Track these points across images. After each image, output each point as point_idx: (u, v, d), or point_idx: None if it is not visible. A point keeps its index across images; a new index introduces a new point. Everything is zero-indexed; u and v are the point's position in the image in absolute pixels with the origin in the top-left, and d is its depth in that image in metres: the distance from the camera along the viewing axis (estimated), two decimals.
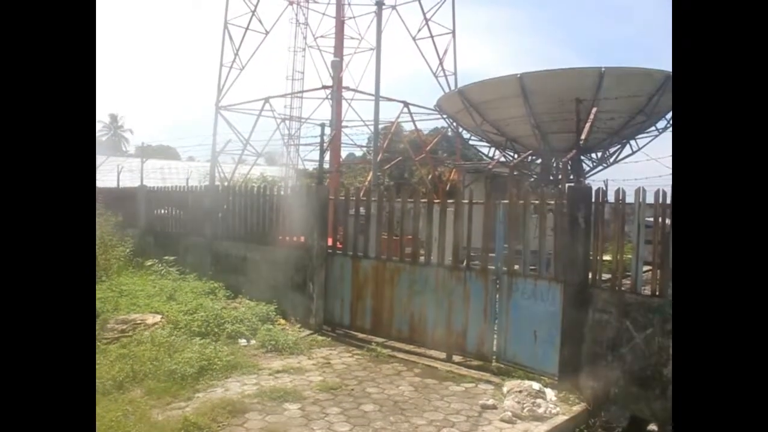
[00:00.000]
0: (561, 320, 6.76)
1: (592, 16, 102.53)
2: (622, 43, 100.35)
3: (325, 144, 11.27)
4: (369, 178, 18.57)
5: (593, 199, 6.73)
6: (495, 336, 7.51)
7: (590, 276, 6.67)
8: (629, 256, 6.65)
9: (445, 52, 25.48)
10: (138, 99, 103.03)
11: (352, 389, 6.59)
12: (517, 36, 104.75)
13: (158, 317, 8.81)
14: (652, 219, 6.48)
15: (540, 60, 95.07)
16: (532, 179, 18.59)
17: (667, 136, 17.32)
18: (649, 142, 17.71)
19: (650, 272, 6.38)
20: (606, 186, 21.56)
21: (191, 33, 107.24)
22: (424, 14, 24.42)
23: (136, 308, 9.37)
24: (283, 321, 9.46)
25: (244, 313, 9.11)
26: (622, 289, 6.40)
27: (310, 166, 25.45)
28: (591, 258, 6.71)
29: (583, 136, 12.26)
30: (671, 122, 16.41)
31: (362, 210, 9.33)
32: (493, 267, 7.59)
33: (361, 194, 10.04)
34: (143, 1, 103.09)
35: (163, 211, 14.92)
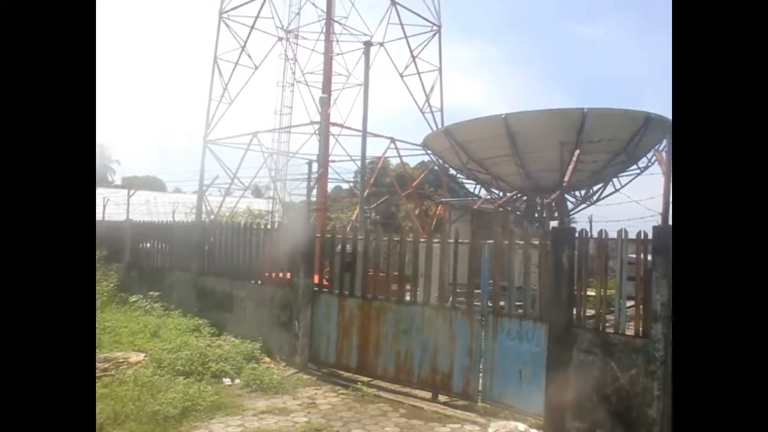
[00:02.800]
0: (546, 360, 6.79)
1: (576, 53, 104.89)
2: (606, 79, 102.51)
3: (312, 181, 11.34)
4: (355, 214, 18.67)
5: (577, 241, 6.85)
6: (481, 376, 7.52)
7: (575, 314, 6.74)
8: (613, 291, 6.75)
9: (432, 88, 25.92)
10: (126, 130, 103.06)
11: (338, 431, 6.54)
12: (502, 72, 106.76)
13: (141, 355, 8.72)
14: (634, 256, 6.61)
15: (525, 96, 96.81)
16: (518, 213, 18.80)
17: (648, 176, 17.62)
18: (631, 180, 18.00)
19: (633, 308, 6.48)
20: (591, 222, 21.83)
21: (181, 66, 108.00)
22: (411, 52, 24.88)
23: (118, 346, 9.27)
24: (268, 359, 9.39)
25: (228, 351, 9.03)
26: (606, 329, 6.47)
27: (297, 199, 25.53)
28: (575, 295, 6.79)
29: (566, 178, 12.49)
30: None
31: (349, 247, 9.38)
32: (479, 304, 7.64)
33: (348, 229, 10.10)
34: (133, 34, 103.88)
35: (148, 245, 14.87)
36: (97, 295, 12.21)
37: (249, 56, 24.75)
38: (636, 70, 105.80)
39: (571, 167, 12.90)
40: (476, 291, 7.74)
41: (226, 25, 25.66)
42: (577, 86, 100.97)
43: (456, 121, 17.69)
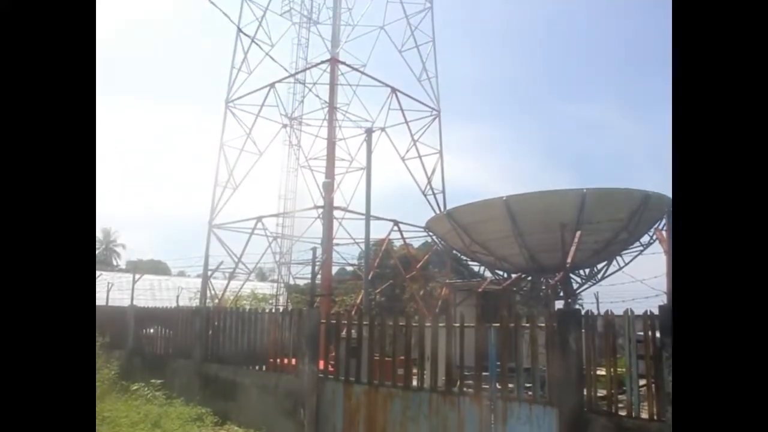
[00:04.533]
0: None
1: (575, 132, 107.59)
2: (605, 157, 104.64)
3: (316, 266, 11.42)
4: (360, 297, 18.61)
5: (583, 320, 6.85)
6: None
7: (585, 396, 6.62)
8: (623, 370, 6.67)
9: (433, 171, 26.42)
10: (132, 214, 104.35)
11: None
12: (503, 152, 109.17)
13: None
14: (642, 334, 6.57)
15: (526, 174, 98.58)
16: (523, 294, 18.70)
17: (652, 254, 17.65)
18: (634, 258, 18.02)
19: (645, 387, 6.39)
20: (597, 301, 21.65)
21: (187, 152, 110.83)
22: (412, 136, 25.53)
23: None
24: None
25: None
26: (619, 411, 6.35)
27: (302, 282, 25.50)
28: (585, 375, 6.70)
29: (569, 259, 12.57)
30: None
31: (354, 332, 9.33)
32: (487, 387, 7.52)
33: (353, 313, 10.07)
34: (141, 120, 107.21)
35: (152, 331, 14.77)
36: (96, 384, 12.02)
37: (254, 142, 25.44)
38: (635, 147, 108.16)
39: (573, 248, 13.00)
40: (484, 374, 7.64)
41: (232, 113, 26.53)
42: (576, 164, 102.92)
43: (458, 201, 18.00)
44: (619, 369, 6.71)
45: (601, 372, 6.85)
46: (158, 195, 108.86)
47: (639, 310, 6.67)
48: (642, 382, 6.53)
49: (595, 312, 7.36)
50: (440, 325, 8.32)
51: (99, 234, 72.60)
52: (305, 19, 26.08)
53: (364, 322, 9.20)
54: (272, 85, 24.53)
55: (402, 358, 8.65)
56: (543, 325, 7.34)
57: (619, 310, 6.76)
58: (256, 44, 23.35)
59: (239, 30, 25.90)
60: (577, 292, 18.59)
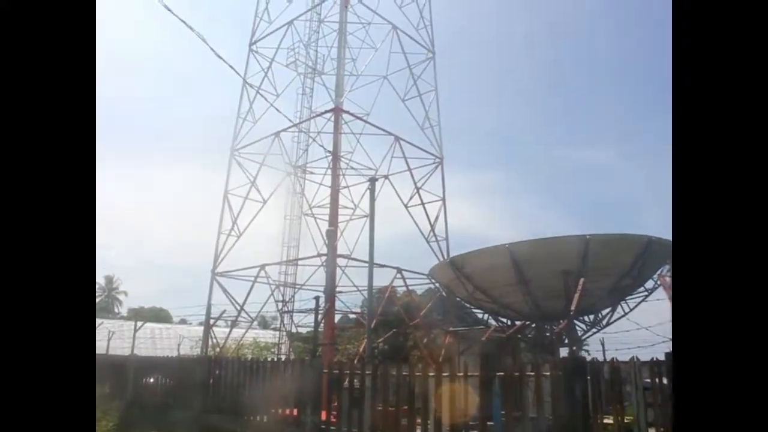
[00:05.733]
0: None
1: (576, 178, 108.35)
2: (607, 202, 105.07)
3: (319, 315, 11.37)
4: (363, 346, 18.43)
5: (588, 370, 6.78)
6: None
7: None
8: (630, 418, 6.55)
9: (437, 218, 26.47)
10: (134, 261, 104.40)
11: None
12: (506, 198, 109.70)
13: None
14: (649, 380, 6.48)
15: (529, 220, 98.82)
16: (527, 338, 18.50)
17: (657, 300, 17.55)
18: (638, 304, 17.91)
19: None
20: (603, 347, 21.34)
21: (191, 200, 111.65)
22: (415, 183, 25.68)
23: None
24: None
25: None
26: None
27: (304, 330, 25.30)
28: (592, 424, 6.58)
29: (573, 307, 12.52)
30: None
31: (357, 381, 9.21)
32: None
33: (356, 362, 9.97)
34: (144, 169, 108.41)
35: (152, 380, 14.60)
36: None
37: (258, 191, 25.62)
38: (638, 191, 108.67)
39: (577, 295, 12.96)
40: (489, 423, 7.51)
41: (237, 162, 26.86)
42: (580, 209, 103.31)
43: (462, 248, 18.05)
44: (626, 417, 6.59)
45: (609, 420, 6.73)
46: (161, 242, 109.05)
47: (645, 357, 6.61)
48: (652, 431, 6.41)
49: (601, 359, 7.28)
50: (444, 375, 8.23)
51: (101, 281, 72.52)
52: (310, 70, 26.66)
53: (367, 372, 9.09)
54: (277, 134, 24.91)
55: (405, 408, 8.51)
56: (548, 373, 7.25)
57: (624, 357, 6.71)
58: (261, 95, 23.80)
59: (245, 81, 26.49)
60: (583, 338, 18.40)
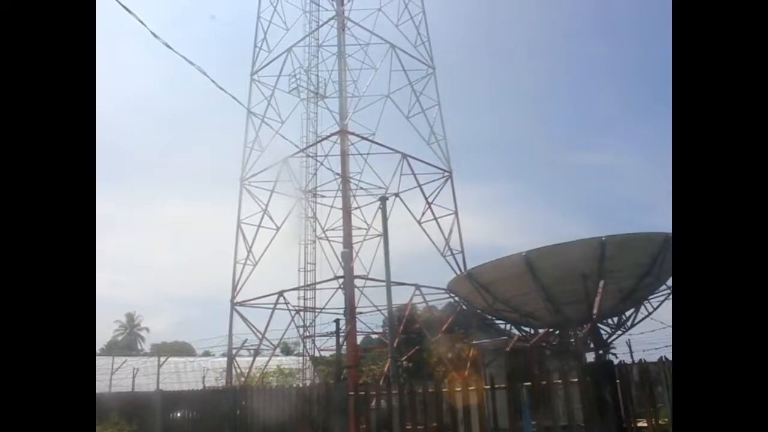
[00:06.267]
0: None
1: (588, 180, 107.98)
2: (622, 202, 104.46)
3: (341, 337, 11.35)
4: (387, 366, 18.34)
5: (617, 373, 6.68)
6: None
7: None
8: (665, 420, 6.44)
9: (450, 231, 26.42)
10: (154, 297, 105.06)
11: None
12: (519, 206, 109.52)
13: None
14: None
15: (544, 225, 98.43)
16: (552, 345, 18.27)
17: None
18: (662, 303, 17.63)
19: None
20: (630, 349, 21.00)
21: (206, 232, 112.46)
22: (426, 199, 25.68)
23: None
24: None
25: None
26: None
27: (327, 354, 25.20)
28: (625, 429, 6.47)
29: (595, 310, 12.37)
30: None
31: (383, 402, 9.15)
32: None
33: (381, 382, 9.91)
34: (158, 206, 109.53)
35: (179, 415, 14.60)
36: None
37: (270, 218, 25.76)
38: (651, 188, 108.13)
39: (598, 298, 12.80)
40: None
41: (248, 191, 27.07)
42: (594, 211, 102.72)
43: (478, 259, 17.91)
44: (661, 420, 6.48)
45: (642, 424, 6.61)
46: (180, 277, 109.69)
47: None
48: None
49: (629, 361, 7.18)
50: (471, 388, 8.15)
51: (123, 319, 72.96)
52: (312, 95, 26.89)
53: (393, 391, 9.03)
54: (285, 161, 25.10)
55: (434, 425, 8.44)
56: (575, 380, 7.16)
57: (653, 358, 6.60)
58: (266, 124, 24.03)
59: (249, 111, 26.77)
60: (609, 341, 18.13)
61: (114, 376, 32.74)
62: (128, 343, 70.56)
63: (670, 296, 17.87)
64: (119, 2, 7.73)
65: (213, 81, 9.95)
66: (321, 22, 27.26)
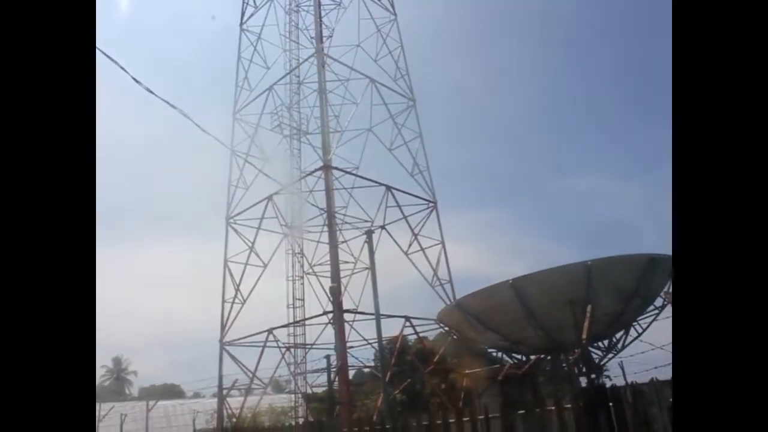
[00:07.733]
0: None
1: (571, 205, 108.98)
2: (606, 225, 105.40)
3: (332, 373, 11.28)
4: (380, 399, 18.17)
5: (610, 396, 6.73)
6: None
7: None
8: None
9: (438, 261, 26.43)
10: (142, 340, 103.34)
11: None
12: (505, 233, 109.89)
13: None
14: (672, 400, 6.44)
15: (530, 252, 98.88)
16: (545, 372, 18.25)
17: (666, 318, 17.42)
18: (650, 323, 17.76)
19: None
20: (623, 371, 21.02)
21: (193, 273, 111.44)
22: (412, 230, 25.74)
23: None
24: None
25: None
26: None
27: (319, 390, 24.91)
28: None
29: (584, 335, 12.46)
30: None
31: None
32: None
33: (374, 417, 9.85)
34: (143, 249, 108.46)
35: None
36: None
37: (257, 255, 25.65)
38: (635, 210, 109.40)
39: (586, 323, 12.91)
40: None
41: (234, 229, 26.99)
42: (579, 235, 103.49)
43: (467, 287, 17.96)
44: None
45: None
46: (168, 318, 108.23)
47: (664, 376, 6.58)
48: None
49: (622, 383, 7.23)
50: (465, 419, 8.14)
51: (110, 363, 71.57)
52: (295, 131, 27.09)
53: (387, 426, 8.98)
54: (269, 198, 25.11)
55: None
56: (569, 405, 7.18)
57: (645, 379, 6.67)
58: (249, 163, 24.15)
59: (232, 151, 26.89)
60: (600, 365, 18.17)
61: (101, 423, 31.99)
62: (116, 389, 69.10)
63: (658, 317, 18.03)
64: (102, 51, 7.84)
65: (196, 124, 10.09)
66: (301, 60, 27.68)
